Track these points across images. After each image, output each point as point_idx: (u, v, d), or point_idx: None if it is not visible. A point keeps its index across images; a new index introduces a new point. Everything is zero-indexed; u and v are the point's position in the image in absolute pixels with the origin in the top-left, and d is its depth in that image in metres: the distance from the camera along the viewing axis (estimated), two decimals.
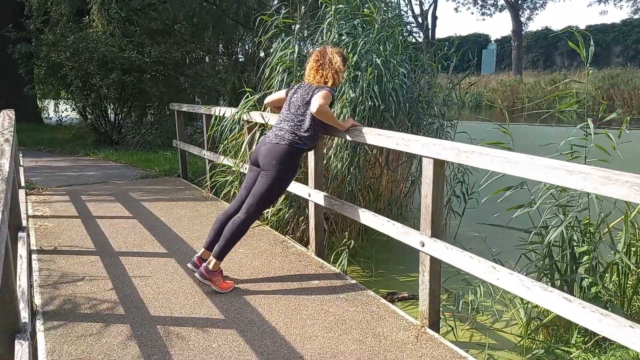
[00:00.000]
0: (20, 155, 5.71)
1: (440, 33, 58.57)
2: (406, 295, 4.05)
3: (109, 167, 7.79)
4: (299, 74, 4.64)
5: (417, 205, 5.86)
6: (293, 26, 4.64)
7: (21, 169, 4.63)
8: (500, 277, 2.24)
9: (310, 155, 3.63)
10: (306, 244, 4.10)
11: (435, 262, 2.65)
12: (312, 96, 3.15)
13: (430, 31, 37.11)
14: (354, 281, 3.32)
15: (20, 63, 9.71)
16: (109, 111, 9.79)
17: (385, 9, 4.79)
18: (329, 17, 4.40)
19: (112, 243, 4.05)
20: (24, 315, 1.78)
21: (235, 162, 4.71)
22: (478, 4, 39.57)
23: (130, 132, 9.38)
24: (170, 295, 3.08)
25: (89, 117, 9.77)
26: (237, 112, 4.53)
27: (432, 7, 37.12)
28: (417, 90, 5.16)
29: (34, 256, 3.74)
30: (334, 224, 4.82)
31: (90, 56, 8.45)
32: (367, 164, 4.94)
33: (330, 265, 3.60)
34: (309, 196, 3.70)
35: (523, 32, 35.22)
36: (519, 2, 34.18)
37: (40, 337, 2.60)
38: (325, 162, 4.57)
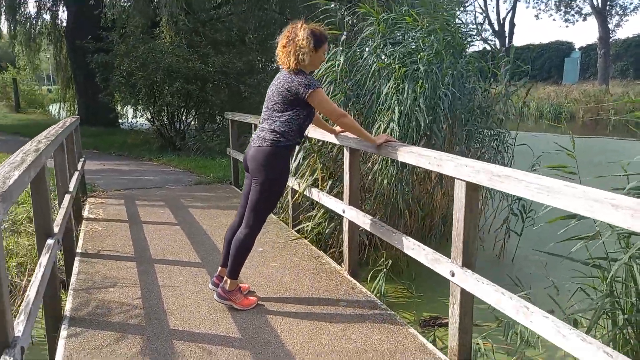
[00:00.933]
0: (82, 158, 6.01)
1: (519, 41, 56.04)
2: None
3: (168, 172, 8.05)
4: (345, 85, 4.51)
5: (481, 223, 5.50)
6: (341, 36, 4.52)
7: (76, 174, 4.84)
8: (533, 319, 1.96)
9: (346, 170, 3.47)
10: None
11: (466, 295, 2.40)
12: (288, 89, 2.77)
13: (507, 38, 35.63)
14: (384, 306, 3.11)
15: (97, 72, 10.35)
16: (174, 118, 10.16)
17: (438, 16, 4.53)
18: (368, 28, 4.23)
19: (151, 249, 4.11)
20: (20, 329, 1.77)
21: None
22: (561, 10, 37.45)
23: (192, 139, 9.67)
24: (193, 308, 3.03)
25: (156, 123, 10.20)
26: None
27: (510, 14, 35.72)
28: (471, 99, 4.81)
29: (77, 259, 3.87)
30: (378, 239, 4.61)
31: (157, 66, 8.82)
32: (416, 177, 4.69)
33: (362, 286, 3.41)
34: (343, 212, 3.54)
35: (611, 40, 32.78)
36: (607, 7, 31.89)
37: (61, 344, 2.63)
38: (370, 177, 4.39)
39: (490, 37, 36.60)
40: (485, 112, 5.16)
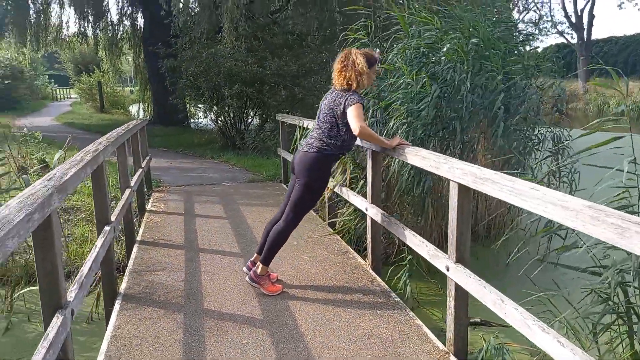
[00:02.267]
0: (148, 157, 6.68)
1: (599, 33, 52.53)
2: (478, 320, 3.89)
3: (226, 170, 8.64)
4: (374, 87, 4.74)
5: (524, 227, 5.50)
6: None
7: (139, 171, 5.45)
8: (506, 311, 2.15)
9: (369, 171, 3.73)
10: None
11: (459, 289, 2.60)
12: (339, 104, 3.16)
13: (585, 31, 33.68)
14: (397, 299, 3.35)
15: (167, 76, 11.22)
16: (236, 119, 10.80)
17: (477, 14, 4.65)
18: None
19: (199, 239, 4.59)
20: (72, 295, 2.22)
21: None
22: None
23: (250, 138, 10.25)
24: (226, 292, 3.43)
25: (219, 123, 10.90)
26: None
27: (589, 4, 33.67)
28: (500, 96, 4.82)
29: (135, 246, 4.43)
30: None
31: (218, 70, 9.46)
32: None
33: (380, 280, 3.66)
34: (366, 210, 3.80)
35: None
36: None
37: (113, 316, 3.12)
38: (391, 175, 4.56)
39: (567, 30, 34.77)
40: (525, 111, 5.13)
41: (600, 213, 1.63)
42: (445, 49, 4.33)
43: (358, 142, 3.91)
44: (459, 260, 2.57)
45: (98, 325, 3.94)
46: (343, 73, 3.22)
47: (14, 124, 16.33)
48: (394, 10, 4.47)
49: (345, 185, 4.44)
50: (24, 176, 5.69)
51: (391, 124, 4.34)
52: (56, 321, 2.01)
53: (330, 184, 4.74)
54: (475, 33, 4.41)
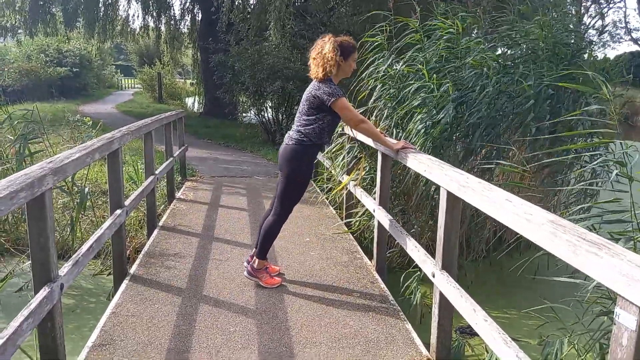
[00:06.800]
0: (184, 146, 6.93)
1: None
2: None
3: (261, 164, 8.81)
4: (392, 90, 4.71)
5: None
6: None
7: (170, 159, 5.67)
8: (477, 322, 2.10)
9: (378, 173, 3.72)
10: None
11: (443, 296, 2.55)
12: (312, 95, 3.15)
13: None
14: (393, 302, 3.32)
15: (215, 71, 11.56)
16: (279, 114, 10.97)
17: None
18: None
19: (216, 228, 4.73)
20: (64, 271, 2.38)
21: (334, 169, 5.04)
22: None
23: None
24: (227, 280, 3.53)
25: (261, 118, 11.12)
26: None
27: None
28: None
29: (156, 231, 4.62)
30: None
31: (262, 66, 9.65)
32: None
33: (381, 282, 3.63)
34: (374, 212, 3.79)
35: None
36: None
37: (118, 293, 3.29)
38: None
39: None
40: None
41: (558, 228, 1.57)
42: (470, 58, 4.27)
43: (370, 142, 3.90)
44: (445, 267, 2.52)
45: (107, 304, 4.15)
46: (316, 60, 3.17)
47: (78, 110, 17.35)
48: (409, 21, 4.47)
49: (358, 185, 4.43)
50: None
51: (410, 126, 4.30)
52: (42, 293, 2.16)
53: (350, 185, 4.75)
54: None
